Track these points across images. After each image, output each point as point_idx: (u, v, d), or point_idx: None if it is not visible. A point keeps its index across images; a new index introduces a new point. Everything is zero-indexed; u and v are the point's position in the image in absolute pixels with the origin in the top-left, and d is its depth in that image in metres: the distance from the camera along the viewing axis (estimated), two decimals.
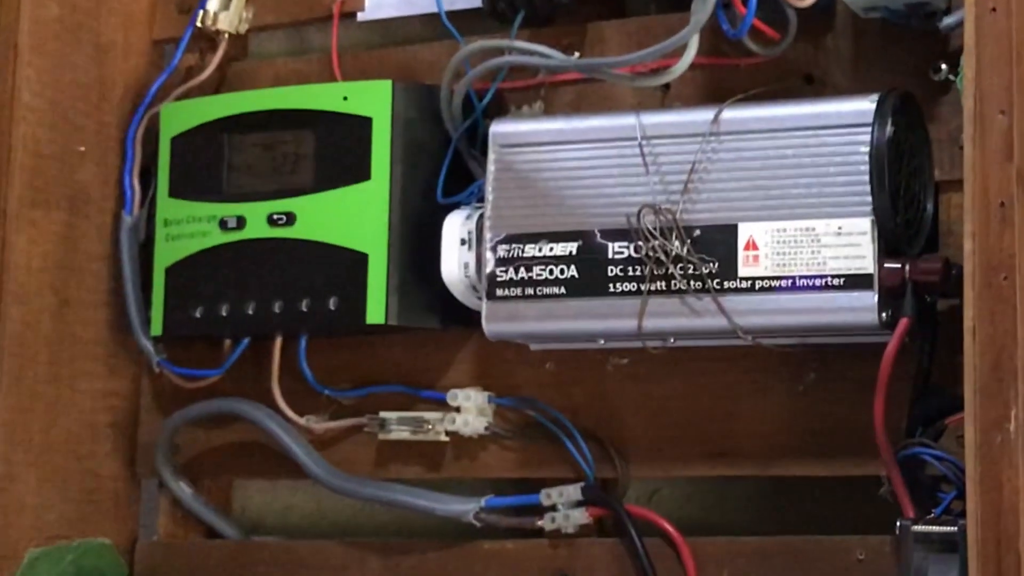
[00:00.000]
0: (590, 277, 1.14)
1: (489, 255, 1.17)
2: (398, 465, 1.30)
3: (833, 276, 1.08)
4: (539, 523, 1.22)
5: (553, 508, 1.21)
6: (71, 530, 1.34)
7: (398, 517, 1.34)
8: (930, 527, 1.01)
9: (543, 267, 1.15)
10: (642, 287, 1.12)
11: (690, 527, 1.20)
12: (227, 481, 1.43)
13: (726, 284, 1.10)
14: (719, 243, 1.10)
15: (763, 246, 1.10)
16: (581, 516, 1.21)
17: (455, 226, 1.20)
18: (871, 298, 1.07)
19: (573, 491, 1.21)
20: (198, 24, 1.38)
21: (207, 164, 1.31)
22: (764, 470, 1.19)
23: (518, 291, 1.15)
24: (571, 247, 1.14)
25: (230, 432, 1.35)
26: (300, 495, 1.43)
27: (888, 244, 1.08)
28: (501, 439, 1.26)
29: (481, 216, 1.18)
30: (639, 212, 1.12)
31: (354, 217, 1.24)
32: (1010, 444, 0.94)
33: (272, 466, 1.33)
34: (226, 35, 1.38)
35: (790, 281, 1.09)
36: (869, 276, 1.07)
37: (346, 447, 1.31)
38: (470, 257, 1.19)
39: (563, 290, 1.14)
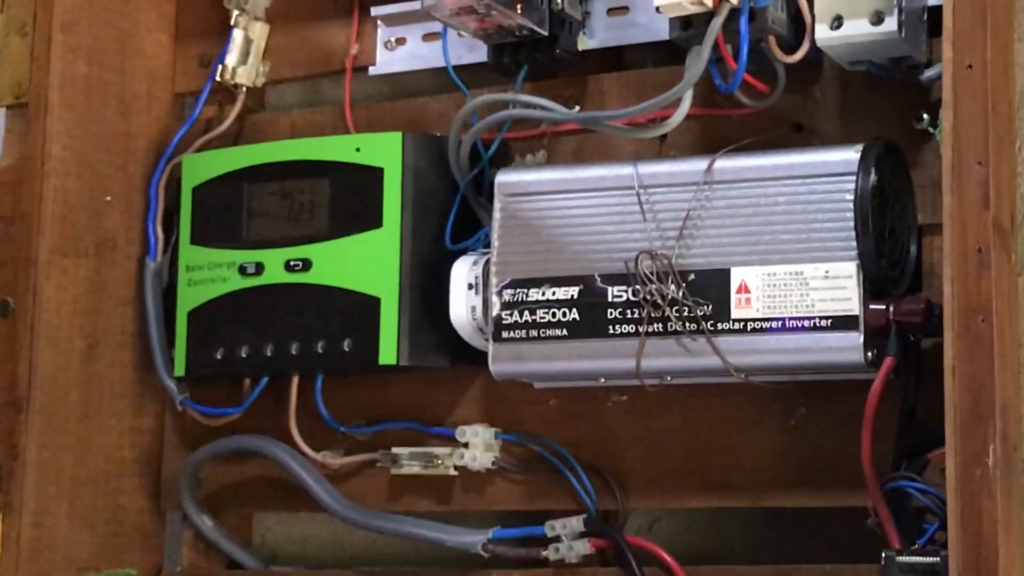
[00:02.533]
0: (591, 320, 1.15)
1: (495, 299, 1.18)
2: (409, 498, 1.31)
3: (821, 317, 1.09)
4: (544, 554, 1.22)
5: (557, 539, 1.22)
6: (100, 561, 1.36)
7: (410, 548, 1.35)
8: (913, 557, 1.02)
9: (546, 310, 1.16)
10: (640, 329, 1.13)
11: (688, 556, 1.20)
12: (247, 514, 1.44)
13: (720, 325, 1.12)
14: (713, 287, 1.12)
15: (754, 289, 1.11)
16: (584, 547, 1.22)
17: (463, 271, 1.21)
18: (857, 338, 1.08)
19: (576, 523, 1.22)
20: (217, 78, 1.39)
21: (227, 212, 1.33)
22: (758, 501, 1.20)
23: (523, 333, 1.17)
24: (573, 291, 1.16)
25: (250, 467, 1.36)
26: (317, 527, 1.44)
27: (873, 286, 1.10)
28: (507, 473, 1.27)
29: (487, 262, 1.20)
30: (637, 258, 1.14)
31: (367, 263, 1.26)
32: (989, 478, 0.95)
33: (290, 499, 1.34)
34: (244, 88, 1.40)
35: (780, 322, 1.10)
36: (855, 317, 1.08)
37: (360, 481, 1.32)
38: (477, 301, 1.20)
39: (565, 332, 1.16)
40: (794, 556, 1.23)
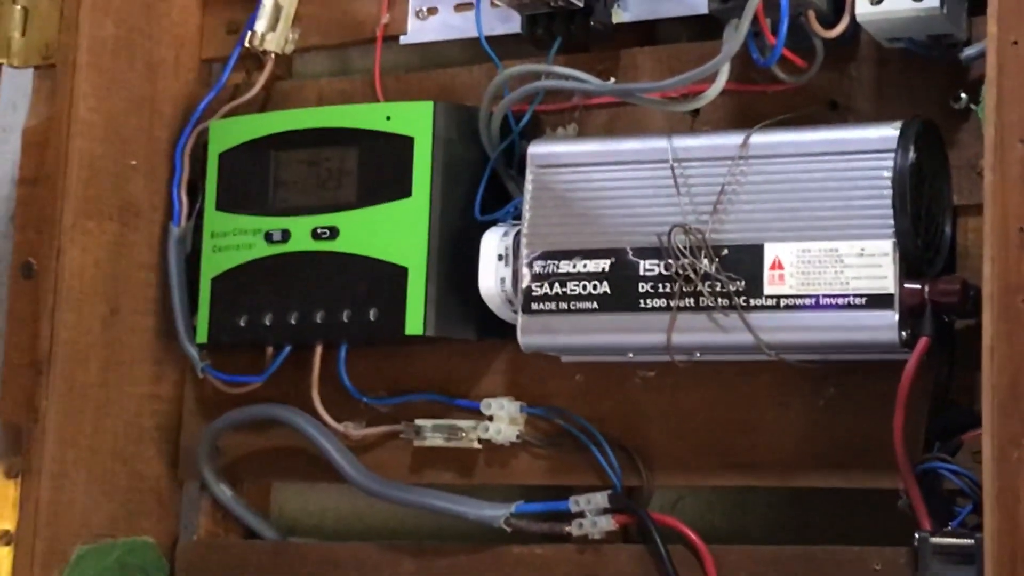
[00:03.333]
0: (622, 293, 1.14)
1: (525, 270, 1.17)
2: (432, 471, 1.29)
3: (855, 295, 1.08)
4: (567, 529, 1.21)
5: (581, 515, 1.21)
6: (116, 528, 1.34)
7: (431, 521, 1.33)
8: (948, 539, 1.01)
9: (577, 283, 1.15)
10: (671, 303, 1.12)
11: (712, 535, 1.19)
12: (266, 484, 1.43)
13: (752, 302, 1.10)
14: (746, 262, 1.10)
15: (788, 266, 1.10)
16: (607, 523, 1.20)
17: (493, 242, 1.20)
18: (892, 317, 1.07)
19: (600, 498, 1.21)
20: (246, 44, 1.37)
21: (253, 179, 1.31)
22: (784, 481, 1.18)
23: (553, 305, 1.15)
24: (604, 264, 1.15)
25: (270, 437, 1.35)
26: (336, 498, 1.43)
27: (908, 265, 1.08)
28: (532, 447, 1.26)
29: (518, 233, 1.18)
30: (670, 231, 1.12)
31: (395, 232, 1.24)
32: None
33: (310, 470, 1.33)
34: (272, 55, 1.38)
35: (814, 300, 1.09)
36: (890, 296, 1.07)
37: (382, 453, 1.31)
38: (507, 272, 1.19)
39: (596, 305, 1.14)
40: (819, 537, 1.21)
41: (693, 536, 1.18)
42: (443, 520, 1.29)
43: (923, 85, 1.16)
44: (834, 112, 1.19)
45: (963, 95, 1.14)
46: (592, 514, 1.21)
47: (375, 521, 1.41)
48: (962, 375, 1.09)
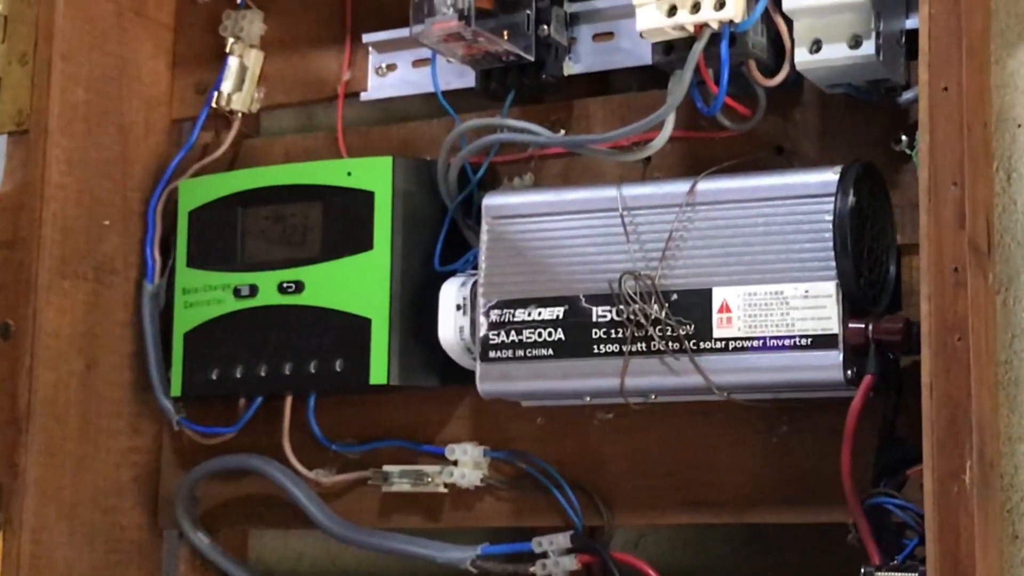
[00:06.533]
0: (576, 339, 1.13)
1: (482, 319, 1.17)
2: (400, 515, 1.29)
3: (801, 336, 1.08)
4: (531, 569, 1.21)
5: (544, 555, 1.21)
6: None
7: (400, 564, 1.33)
8: (892, 573, 1.00)
9: (532, 330, 1.15)
10: (624, 348, 1.12)
11: (673, 572, 1.19)
12: (242, 531, 1.42)
13: (702, 345, 1.10)
14: (695, 306, 1.10)
15: (736, 309, 1.10)
16: (570, 563, 1.20)
17: (451, 292, 1.20)
18: (836, 357, 1.07)
19: (563, 539, 1.20)
20: (213, 104, 1.38)
21: (222, 236, 1.32)
22: (740, 518, 1.18)
23: (509, 353, 1.15)
24: (558, 311, 1.14)
25: (245, 485, 1.35)
26: (311, 544, 1.42)
27: (852, 305, 1.08)
28: (496, 490, 1.25)
29: (475, 283, 1.18)
30: (621, 278, 1.12)
31: (358, 284, 1.24)
32: (966, 494, 0.94)
33: (284, 517, 1.32)
34: (239, 114, 1.39)
35: (761, 341, 1.09)
36: (834, 336, 1.07)
37: (352, 499, 1.30)
38: (465, 321, 1.19)
39: (551, 352, 1.14)
40: (776, 571, 1.21)
41: (654, 574, 1.18)
42: (412, 563, 1.29)
43: (865, 128, 1.16)
44: (781, 156, 1.19)
45: (904, 137, 1.14)
46: (555, 555, 1.20)
47: (349, 565, 1.41)
48: (908, 411, 1.09)
